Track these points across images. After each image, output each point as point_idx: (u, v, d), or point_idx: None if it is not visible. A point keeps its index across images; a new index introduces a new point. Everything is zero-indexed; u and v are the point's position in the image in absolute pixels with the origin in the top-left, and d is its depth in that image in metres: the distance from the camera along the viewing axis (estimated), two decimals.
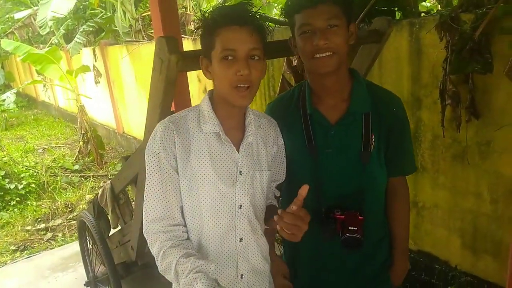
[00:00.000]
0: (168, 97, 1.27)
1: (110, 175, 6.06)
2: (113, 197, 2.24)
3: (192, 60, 1.21)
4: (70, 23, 7.89)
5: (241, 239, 1.24)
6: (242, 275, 1.26)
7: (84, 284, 2.50)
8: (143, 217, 1.19)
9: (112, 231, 2.52)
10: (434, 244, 2.71)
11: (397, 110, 1.35)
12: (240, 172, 1.21)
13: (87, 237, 2.61)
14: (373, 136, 1.30)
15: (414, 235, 2.78)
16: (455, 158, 2.46)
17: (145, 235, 1.19)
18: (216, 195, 1.19)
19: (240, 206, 1.22)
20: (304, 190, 1.10)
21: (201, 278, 1.05)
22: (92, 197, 4.82)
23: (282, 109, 1.41)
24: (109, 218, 2.56)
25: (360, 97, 1.32)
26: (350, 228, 1.27)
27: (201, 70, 1.16)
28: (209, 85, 4.66)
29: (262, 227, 1.34)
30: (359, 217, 1.29)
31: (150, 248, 1.19)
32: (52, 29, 6.70)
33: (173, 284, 1.28)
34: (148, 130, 1.41)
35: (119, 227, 2.39)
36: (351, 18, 1.27)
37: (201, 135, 1.18)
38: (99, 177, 6.07)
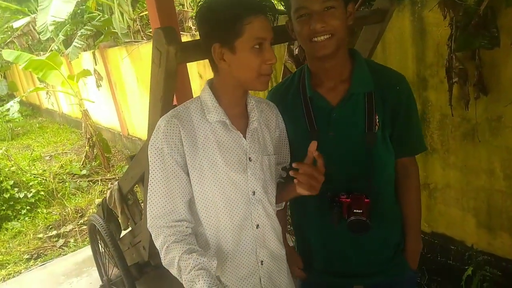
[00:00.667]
0: (169, 90, 1.24)
1: (118, 177, 6.08)
2: (122, 198, 2.23)
3: (192, 51, 1.18)
4: (69, 28, 7.88)
5: (257, 226, 1.25)
6: (262, 261, 1.27)
7: None
8: (147, 212, 1.19)
9: (123, 233, 2.51)
10: (448, 225, 2.67)
11: (401, 88, 1.31)
12: (250, 158, 1.21)
13: (99, 241, 2.60)
14: (377, 117, 1.27)
15: (427, 217, 2.75)
16: (465, 137, 2.42)
17: (149, 229, 1.20)
18: (228, 184, 1.19)
19: (254, 193, 1.23)
20: (313, 146, 1.12)
21: (203, 276, 1.06)
22: (101, 200, 4.84)
23: (283, 94, 1.39)
24: (119, 219, 2.55)
25: (361, 77, 1.29)
26: (355, 211, 1.24)
27: (200, 63, 1.14)
28: None
29: (275, 210, 1.33)
30: (365, 200, 1.26)
31: (154, 241, 1.19)
32: (51, 36, 6.68)
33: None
34: (151, 126, 1.39)
35: (130, 228, 2.38)
36: None
37: (207, 125, 1.17)
38: (107, 180, 6.08)
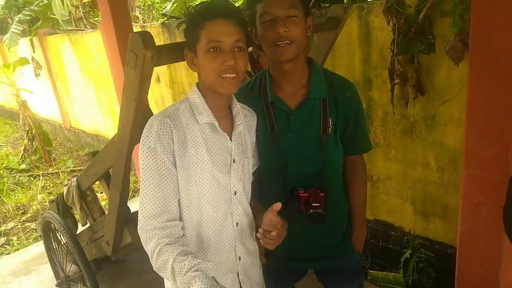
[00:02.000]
0: (144, 91, 1.28)
1: (61, 172, 5.83)
2: (80, 194, 2.20)
3: (166, 54, 1.24)
4: (1, 12, 7.33)
5: (237, 224, 1.32)
6: (239, 257, 1.35)
7: (56, 285, 2.45)
8: (139, 213, 1.18)
9: (80, 229, 2.48)
10: (389, 213, 2.93)
11: (351, 95, 1.47)
12: (234, 160, 1.28)
13: (52, 238, 2.54)
14: (330, 120, 1.42)
15: (370, 206, 2.99)
16: (404, 133, 2.66)
17: (139, 231, 1.19)
18: (214, 184, 1.24)
19: (235, 193, 1.30)
20: (277, 206, 1.24)
21: (199, 277, 1.06)
22: (52, 196, 4.64)
23: (245, 98, 1.47)
24: (75, 216, 2.51)
25: (318, 84, 1.42)
26: (313, 204, 1.37)
27: (171, 64, 1.18)
28: (162, 74, 4.59)
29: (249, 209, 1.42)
30: (321, 194, 1.40)
31: (144, 245, 1.18)
32: None
33: (165, 282, 1.33)
34: (123, 124, 1.42)
35: (88, 224, 2.35)
36: (308, 11, 1.36)
37: (196, 126, 1.22)
38: (49, 175, 5.81)
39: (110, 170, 1.81)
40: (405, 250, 2.78)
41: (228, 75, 1.16)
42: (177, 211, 1.21)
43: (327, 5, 2.91)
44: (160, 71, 4.60)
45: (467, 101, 1.60)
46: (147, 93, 1.32)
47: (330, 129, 1.42)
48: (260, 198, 1.49)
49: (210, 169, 1.23)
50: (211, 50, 1.15)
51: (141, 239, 1.18)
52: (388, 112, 2.69)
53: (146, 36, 1.14)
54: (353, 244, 1.60)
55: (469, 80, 1.58)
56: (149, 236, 1.16)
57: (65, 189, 2.27)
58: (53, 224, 2.30)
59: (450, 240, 2.62)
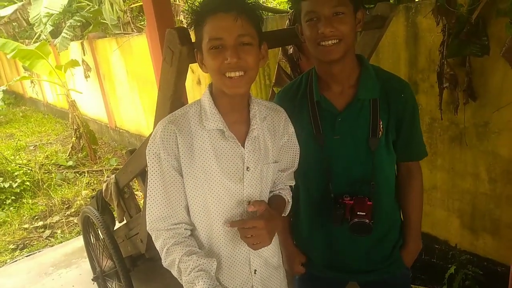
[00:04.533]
0: (179, 89, 1.27)
1: (105, 170, 6.04)
2: (118, 191, 2.24)
3: None
4: (56, 18, 7.74)
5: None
6: (255, 270, 1.27)
7: (92, 279, 2.51)
8: (147, 215, 1.18)
9: (117, 225, 2.52)
10: (433, 225, 2.76)
11: (406, 96, 1.34)
12: (247, 168, 1.18)
13: (91, 233, 2.61)
14: (381, 122, 1.31)
15: None
16: (453, 140, 2.51)
17: (148, 231, 1.20)
18: (224, 193, 1.17)
19: (249, 202, 1.20)
20: (252, 208, 1.16)
21: (202, 277, 1.06)
22: (95, 193, 4.81)
23: (291, 97, 1.41)
24: (113, 212, 2.57)
25: (368, 84, 1.32)
26: (358, 213, 1.28)
27: None
28: (203, 76, 4.64)
29: None
30: (368, 202, 1.30)
31: (154, 242, 1.20)
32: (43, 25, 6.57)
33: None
34: (158, 122, 1.41)
35: (125, 221, 2.39)
36: (358, 5, 1.26)
37: (204, 132, 1.15)
38: (94, 172, 6.03)
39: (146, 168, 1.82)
40: (450, 266, 2.61)
41: (232, 74, 1.06)
42: (183, 215, 1.18)
43: (371, 6, 2.81)
44: (201, 73, 4.65)
45: None
46: (183, 90, 1.30)
47: (380, 132, 1.31)
48: (296, 200, 1.42)
49: (219, 177, 1.15)
50: (213, 48, 1.05)
51: (152, 237, 1.20)
52: (435, 118, 2.54)
53: (182, 32, 1.12)
54: (403, 258, 1.48)
55: None
56: (157, 236, 1.17)
57: (104, 186, 2.32)
58: (92, 219, 2.36)
59: (501, 257, 2.43)
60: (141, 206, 2.34)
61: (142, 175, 2.01)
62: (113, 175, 2.30)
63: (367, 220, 1.27)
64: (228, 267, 1.24)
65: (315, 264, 1.50)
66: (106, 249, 2.29)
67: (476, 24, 2.15)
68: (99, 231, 2.28)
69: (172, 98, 1.27)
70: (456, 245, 2.65)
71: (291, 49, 3.03)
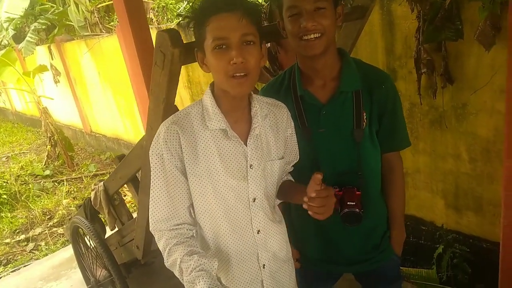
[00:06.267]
0: (172, 92, 1.25)
1: (84, 176, 5.90)
2: (108, 198, 2.19)
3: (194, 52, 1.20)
4: (18, 21, 7.45)
5: (258, 231, 1.25)
6: (264, 265, 1.28)
7: None
8: (149, 216, 1.19)
9: (108, 233, 2.48)
10: (419, 207, 2.84)
11: (387, 87, 1.37)
12: (251, 165, 1.20)
13: (80, 243, 2.56)
14: (364, 114, 1.33)
15: None
16: (433, 124, 2.58)
17: (151, 231, 1.21)
18: (229, 192, 1.19)
19: (254, 199, 1.22)
20: (318, 176, 1.12)
21: (203, 277, 1.07)
22: (77, 201, 4.71)
23: (274, 93, 1.41)
24: (103, 220, 2.52)
25: (350, 76, 1.35)
26: (348, 203, 1.30)
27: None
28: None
29: (279, 214, 1.36)
30: (357, 192, 1.32)
31: (157, 243, 1.21)
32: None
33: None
34: (151, 126, 1.39)
35: (116, 229, 2.35)
36: (338, 0, 1.29)
37: (207, 132, 1.16)
38: (73, 180, 5.89)
39: (137, 174, 1.80)
40: (437, 246, 2.70)
41: (237, 74, 1.06)
42: (186, 216, 1.20)
43: None
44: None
45: (507, 87, 1.52)
46: (175, 93, 1.29)
47: (364, 123, 1.34)
48: None
49: (224, 176, 1.17)
50: (217, 48, 1.06)
51: (155, 238, 1.21)
52: (415, 103, 2.60)
53: (173, 34, 1.11)
54: (392, 245, 1.51)
55: (509, 65, 1.50)
56: (159, 236, 1.19)
57: (92, 194, 2.27)
58: (82, 230, 2.31)
59: (485, 233, 2.53)
60: (132, 213, 2.31)
61: (133, 181, 1.98)
62: (101, 183, 2.25)
63: (357, 210, 1.28)
64: (237, 264, 1.25)
65: (309, 258, 1.52)
66: (100, 258, 2.25)
67: (450, 9, 2.19)
68: (91, 241, 2.24)
69: (165, 101, 1.26)
70: (443, 225, 2.73)
71: (269, 43, 3.04)
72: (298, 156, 1.39)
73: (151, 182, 1.17)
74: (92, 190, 2.29)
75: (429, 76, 2.44)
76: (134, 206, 3.86)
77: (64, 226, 4.31)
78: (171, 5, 6.20)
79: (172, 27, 4.42)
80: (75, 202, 5.07)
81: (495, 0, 1.95)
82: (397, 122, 1.41)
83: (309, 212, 1.15)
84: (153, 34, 4.96)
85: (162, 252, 1.18)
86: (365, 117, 1.34)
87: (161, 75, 1.20)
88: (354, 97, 1.33)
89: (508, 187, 1.61)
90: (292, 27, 1.26)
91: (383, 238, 1.49)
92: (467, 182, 2.53)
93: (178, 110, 1.25)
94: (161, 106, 1.28)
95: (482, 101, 2.30)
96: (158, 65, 1.17)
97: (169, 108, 1.30)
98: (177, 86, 1.25)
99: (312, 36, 1.24)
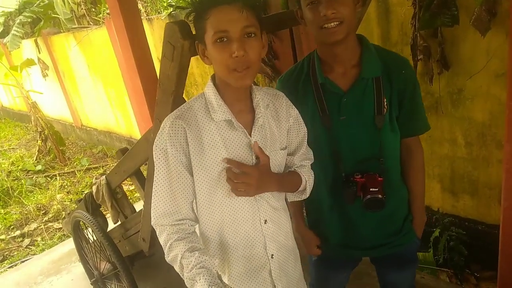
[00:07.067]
0: (181, 83, 1.24)
1: (77, 171, 5.86)
2: (111, 192, 2.19)
3: None
4: (3, 15, 7.29)
5: (265, 221, 1.26)
6: (272, 255, 1.29)
7: (91, 283, 2.46)
8: (151, 210, 1.19)
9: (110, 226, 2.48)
10: None
11: (407, 72, 1.37)
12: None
13: (81, 237, 2.55)
14: (385, 100, 1.33)
15: None
16: (429, 110, 2.60)
17: (153, 226, 1.22)
18: None
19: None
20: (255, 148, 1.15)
21: (203, 274, 1.08)
22: (79, 196, 4.67)
23: (293, 82, 1.41)
24: (104, 214, 2.51)
25: (371, 62, 1.34)
26: (371, 189, 1.31)
27: None
28: None
29: (282, 202, 1.36)
30: (379, 178, 1.34)
31: (158, 237, 1.21)
32: None
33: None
34: (159, 119, 1.38)
35: (119, 222, 2.35)
36: None
37: (212, 124, 1.15)
38: (66, 174, 5.84)
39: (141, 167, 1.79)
40: (434, 229, 2.75)
41: (239, 68, 1.06)
42: (188, 212, 1.19)
43: None
44: None
45: (508, 71, 1.55)
46: (184, 85, 1.28)
47: (385, 109, 1.34)
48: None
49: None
50: (218, 41, 1.05)
51: (156, 232, 1.21)
52: None
53: (183, 26, 1.10)
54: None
55: (510, 49, 1.52)
56: (161, 230, 1.19)
57: (94, 188, 2.26)
58: (85, 224, 2.30)
59: (482, 216, 2.59)
60: (134, 206, 2.31)
61: (137, 174, 1.98)
62: (103, 176, 2.24)
63: (380, 196, 1.31)
64: (244, 255, 1.25)
65: (330, 244, 1.53)
66: (103, 251, 2.25)
67: None
68: (95, 235, 2.23)
69: (174, 93, 1.25)
70: (439, 209, 2.79)
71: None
72: (305, 145, 1.37)
73: (154, 177, 1.17)
74: (94, 184, 2.28)
75: (425, 63, 2.46)
76: (131, 198, 3.85)
77: (61, 221, 4.29)
78: None
79: (163, 18, 4.37)
80: (69, 196, 5.04)
81: None
82: (417, 107, 1.42)
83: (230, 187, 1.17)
84: (146, 25, 4.86)
85: (163, 247, 1.18)
86: (385, 103, 1.34)
87: (170, 67, 1.19)
88: (375, 84, 1.33)
89: (508, 170, 1.64)
90: (312, 16, 1.24)
91: (405, 222, 1.50)
92: (463, 166, 2.58)
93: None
94: (170, 98, 1.27)
95: (478, 86, 2.34)
96: (167, 57, 1.16)
97: (178, 101, 1.29)
98: (186, 78, 1.24)
99: (332, 24, 1.22)
